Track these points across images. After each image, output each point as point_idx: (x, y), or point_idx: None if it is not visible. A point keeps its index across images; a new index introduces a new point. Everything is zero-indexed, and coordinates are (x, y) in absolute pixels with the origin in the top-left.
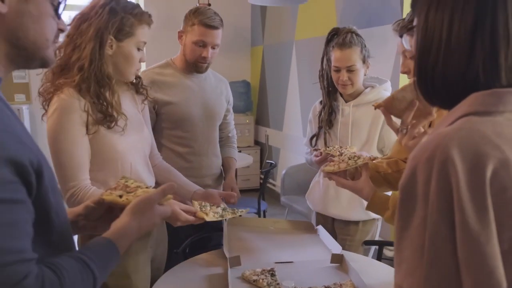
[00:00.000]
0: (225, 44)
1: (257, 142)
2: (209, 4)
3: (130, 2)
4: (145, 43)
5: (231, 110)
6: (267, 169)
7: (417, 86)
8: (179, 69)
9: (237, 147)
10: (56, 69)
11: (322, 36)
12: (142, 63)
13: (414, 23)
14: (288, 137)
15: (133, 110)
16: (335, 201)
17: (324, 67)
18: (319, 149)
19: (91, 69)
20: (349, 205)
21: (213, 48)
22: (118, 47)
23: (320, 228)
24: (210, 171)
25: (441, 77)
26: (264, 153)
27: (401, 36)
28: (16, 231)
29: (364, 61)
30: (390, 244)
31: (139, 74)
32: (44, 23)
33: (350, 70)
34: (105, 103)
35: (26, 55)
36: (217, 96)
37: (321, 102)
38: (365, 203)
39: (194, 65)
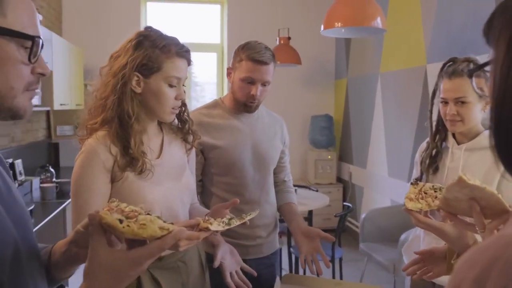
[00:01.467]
0: (308, 77)
1: (339, 179)
2: (289, 38)
3: (164, 36)
4: (179, 78)
5: (287, 152)
6: (342, 213)
7: (494, 146)
8: (228, 109)
9: (318, 184)
10: (92, 110)
11: (409, 68)
12: (191, 102)
13: (489, 56)
14: (372, 175)
15: (176, 157)
16: None
17: (434, 102)
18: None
19: (112, 108)
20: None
21: (263, 85)
22: (146, 84)
23: None
24: (263, 221)
25: None
26: (347, 191)
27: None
28: None
29: (480, 95)
30: None
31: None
32: (7, 70)
33: (460, 102)
34: (130, 145)
35: None
36: (270, 137)
37: (427, 142)
38: None
39: (243, 105)
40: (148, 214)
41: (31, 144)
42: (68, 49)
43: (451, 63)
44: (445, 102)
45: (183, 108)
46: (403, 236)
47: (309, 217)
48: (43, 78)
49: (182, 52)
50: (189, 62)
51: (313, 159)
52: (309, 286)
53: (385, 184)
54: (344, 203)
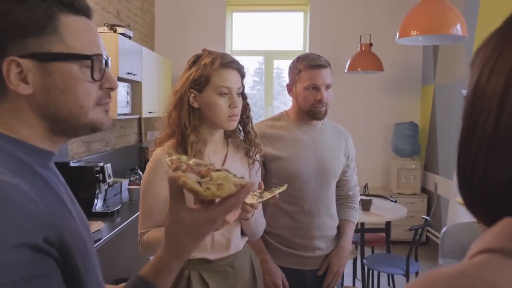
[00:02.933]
0: (391, 84)
1: (424, 190)
2: (371, 44)
3: (213, 52)
4: (228, 87)
5: (352, 166)
6: (418, 226)
7: (458, 187)
8: (292, 121)
9: (401, 194)
10: (161, 126)
11: None
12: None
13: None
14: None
15: (236, 169)
16: None
17: None
18: None
19: (174, 123)
20: None
21: (326, 89)
22: (201, 98)
23: None
24: (321, 233)
25: (480, 180)
26: (432, 202)
27: None
28: None
29: None
30: None
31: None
32: (74, 91)
33: None
34: (187, 154)
35: (67, 127)
36: (333, 151)
37: None
38: None
39: (311, 112)
40: (218, 169)
41: (123, 148)
42: (157, 61)
43: None
44: None
45: (246, 121)
46: None
47: (386, 228)
48: (134, 88)
49: (227, 63)
50: (240, 72)
51: (395, 168)
52: None
53: None
54: (423, 216)
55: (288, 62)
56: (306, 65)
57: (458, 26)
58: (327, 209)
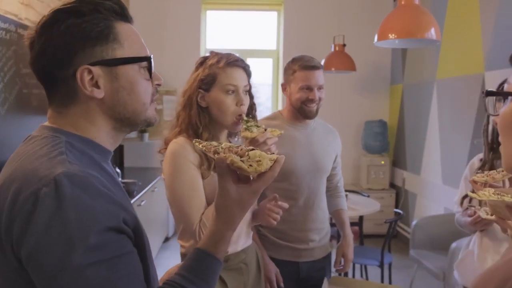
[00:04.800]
0: (363, 83)
1: (392, 185)
2: (344, 45)
3: (219, 53)
4: (235, 85)
5: (339, 161)
6: (392, 220)
7: None
8: (286, 120)
9: (370, 189)
10: (170, 125)
11: (466, 75)
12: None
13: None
14: (426, 182)
15: None
16: None
17: (489, 120)
18: (472, 206)
19: (184, 122)
20: None
21: (319, 89)
22: (208, 97)
23: None
24: (315, 225)
25: None
26: (400, 197)
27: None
28: (137, 278)
29: None
30: None
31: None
32: (138, 90)
33: None
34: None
35: (129, 124)
36: (325, 148)
37: (481, 159)
38: None
39: (303, 111)
40: (249, 149)
41: None
42: None
43: (504, 81)
44: None
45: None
46: (453, 245)
47: (359, 222)
48: None
49: (233, 61)
50: (246, 71)
51: (365, 165)
52: (357, 287)
53: (439, 191)
54: (396, 210)
55: (262, 61)
56: (301, 66)
57: (432, 31)
58: (320, 202)
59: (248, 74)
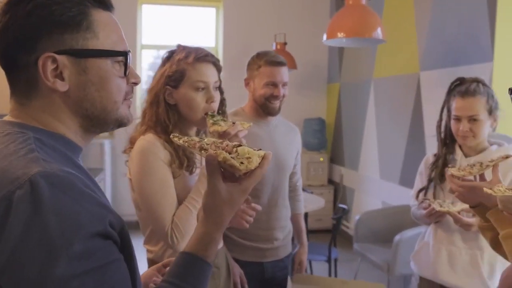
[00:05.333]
0: (301, 81)
1: (331, 181)
2: (285, 43)
3: (187, 47)
4: (205, 82)
5: (299, 159)
6: (339, 215)
7: None
8: (248, 116)
9: (310, 185)
10: (136, 124)
11: (402, 75)
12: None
13: None
14: (363, 178)
15: None
16: (447, 266)
17: (443, 117)
18: (427, 199)
19: (151, 119)
20: (465, 272)
21: (283, 86)
22: (177, 94)
23: None
24: (279, 223)
25: None
26: (338, 193)
27: None
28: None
29: (490, 113)
30: None
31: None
32: (109, 87)
33: (473, 120)
34: (176, 148)
35: (98, 123)
36: (287, 145)
37: (435, 154)
38: (485, 272)
39: (266, 107)
40: (235, 145)
41: None
42: None
43: (458, 82)
44: (458, 119)
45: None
46: (397, 237)
47: (304, 219)
48: None
49: (202, 57)
50: (216, 66)
51: (305, 161)
52: (318, 285)
53: (376, 186)
54: (340, 205)
55: None
56: (266, 62)
57: (379, 30)
58: (283, 200)
59: (218, 69)
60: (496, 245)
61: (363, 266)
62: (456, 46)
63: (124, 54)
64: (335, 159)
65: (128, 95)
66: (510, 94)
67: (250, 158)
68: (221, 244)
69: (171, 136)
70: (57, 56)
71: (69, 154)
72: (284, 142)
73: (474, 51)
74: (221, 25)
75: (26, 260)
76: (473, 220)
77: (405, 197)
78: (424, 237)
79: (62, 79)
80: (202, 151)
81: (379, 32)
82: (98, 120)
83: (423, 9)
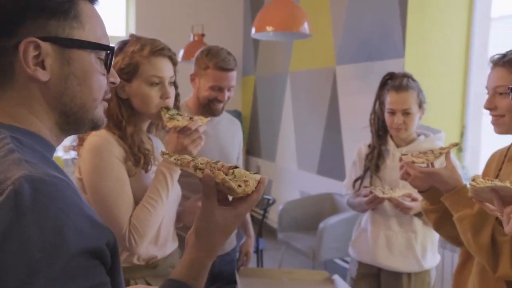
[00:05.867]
0: None
1: None
2: (203, 35)
3: (141, 38)
4: (160, 77)
5: (240, 152)
6: (266, 206)
7: None
8: (193, 112)
9: None
10: None
11: (319, 69)
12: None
13: None
14: (281, 169)
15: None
16: (386, 250)
17: (375, 110)
18: (367, 187)
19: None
20: (401, 254)
21: (228, 90)
22: (129, 88)
23: (337, 278)
24: None
25: None
26: None
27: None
28: None
29: (420, 106)
30: None
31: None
32: (91, 83)
33: (406, 113)
34: (130, 144)
35: (75, 121)
36: (230, 139)
37: (369, 145)
38: (419, 252)
39: (208, 108)
40: (230, 166)
41: None
42: None
43: (389, 77)
44: (392, 112)
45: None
46: (321, 225)
47: None
48: None
49: (158, 50)
50: (172, 60)
51: None
52: (265, 276)
53: (294, 176)
54: (265, 196)
55: None
56: (216, 66)
57: (306, 25)
58: None
59: (174, 64)
60: (439, 226)
61: (287, 254)
62: (370, 43)
63: (111, 49)
64: (251, 151)
65: (106, 94)
66: (510, 92)
67: (247, 181)
68: (175, 245)
69: (160, 153)
70: (41, 42)
71: (47, 156)
72: (228, 136)
73: (387, 48)
74: (133, 14)
75: (1, 273)
76: (412, 204)
77: (323, 186)
78: (361, 224)
79: (43, 68)
80: (197, 171)
81: (306, 27)
82: (75, 118)
83: (338, 7)
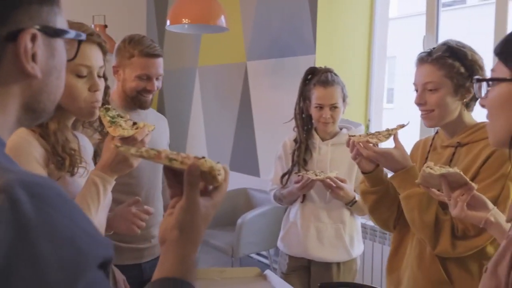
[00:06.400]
0: None
1: None
2: (106, 26)
3: (71, 23)
4: (88, 66)
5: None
6: None
7: None
8: (118, 107)
9: None
10: None
11: (229, 64)
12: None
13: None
14: None
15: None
16: (316, 242)
17: (300, 105)
18: (300, 174)
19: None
20: (331, 245)
21: (157, 79)
22: None
23: (269, 273)
24: (156, 219)
25: None
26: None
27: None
28: None
29: (343, 100)
30: (348, 286)
31: None
32: (63, 75)
33: (334, 107)
34: (52, 142)
35: (37, 117)
36: (159, 135)
37: (295, 140)
38: (348, 242)
39: (137, 100)
40: (196, 157)
41: None
42: None
43: (312, 73)
44: (320, 107)
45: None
46: (239, 221)
47: None
48: None
49: (87, 36)
50: (102, 48)
51: None
52: (198, 276)
53: None
54: None
55: None
56: (141, 52)
57: (222, 18)
58: (159, 194)
59: (104, 52)
60: (374, 208)
61: (202, 252)
62: (281, 40)
63: (82, 39)
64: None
65: None
66: (475, 83)
67: (220, 170)
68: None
69: (116, 146)
70: (38, 32)
71: (10, 157)
72: (157, 132)
73: (298, 45)
74: None
75: None
76: (343, 184)
77: (237, 181)
78: (289, 218)
79: (36, 62)
80: (173, 161)
81: (223, 20)
82: (40, 115)
83: (248, 3)
